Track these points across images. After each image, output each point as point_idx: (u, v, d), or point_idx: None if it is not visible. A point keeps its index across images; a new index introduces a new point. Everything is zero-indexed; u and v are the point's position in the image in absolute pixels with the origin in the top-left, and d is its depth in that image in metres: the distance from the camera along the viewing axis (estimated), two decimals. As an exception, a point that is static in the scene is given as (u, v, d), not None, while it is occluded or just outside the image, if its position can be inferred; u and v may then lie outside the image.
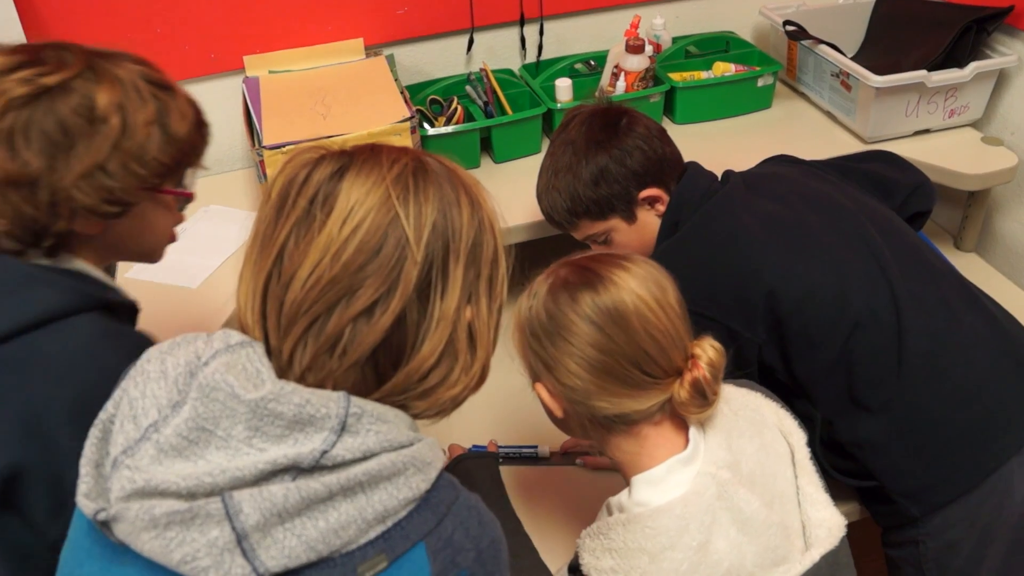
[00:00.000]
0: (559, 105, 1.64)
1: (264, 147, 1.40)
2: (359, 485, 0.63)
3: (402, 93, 1.55)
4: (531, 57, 1.83)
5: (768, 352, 1.14)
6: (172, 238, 0.95)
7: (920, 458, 1.10)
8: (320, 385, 0.66)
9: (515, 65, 1.83)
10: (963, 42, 1.66)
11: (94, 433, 0.66)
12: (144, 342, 0.84)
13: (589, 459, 1.28)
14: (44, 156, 0.79)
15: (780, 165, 1.36)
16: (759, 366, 1.16)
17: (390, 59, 1.68)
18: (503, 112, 1.68)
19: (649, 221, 1.24)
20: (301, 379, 0.66)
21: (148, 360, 0.68)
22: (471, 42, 1.77)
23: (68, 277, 0.84)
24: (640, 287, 0.86)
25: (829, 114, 1.78)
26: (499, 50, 1.81)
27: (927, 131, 1.71)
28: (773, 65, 1.79)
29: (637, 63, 1.66)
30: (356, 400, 0.65)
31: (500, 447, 1.29)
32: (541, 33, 1.81)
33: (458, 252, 0.69)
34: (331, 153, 0.71)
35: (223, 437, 0.62)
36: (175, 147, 0.85)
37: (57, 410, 0.76)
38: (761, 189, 1.22)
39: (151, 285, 1.30)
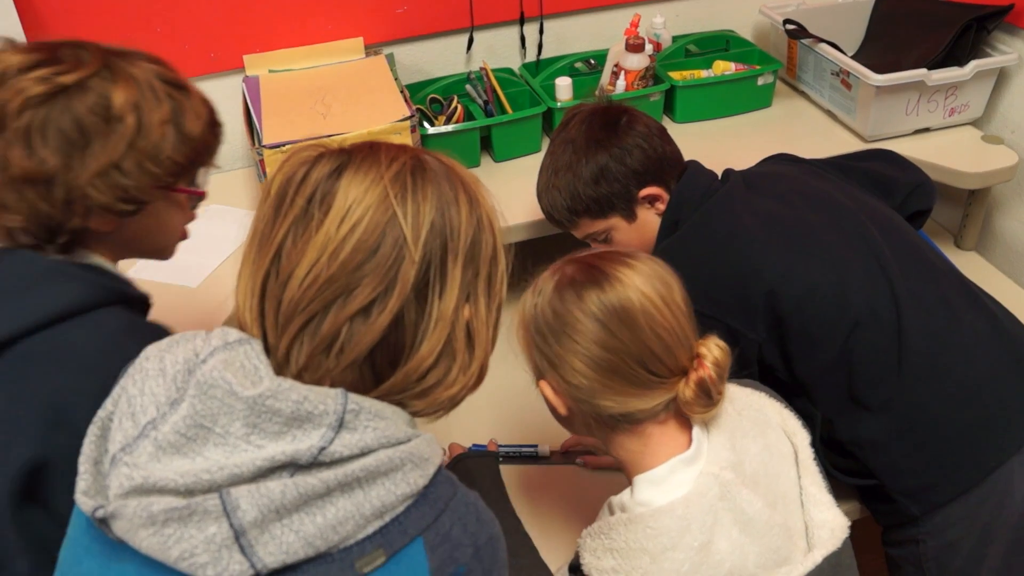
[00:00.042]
0: (559, 104, 1.64)
1: (264, 146, 1.40)
2: (356, 481, 0.63)
3: (402, 92, 1.55)
4: (531, 56, 1.83)
5: (768, 351, 1.14)
6: (184, 235, 0.96)
7: (920, 457, 1.10)
8: (317, 384, 0.66)
9: (515, 64, 1.83)
10: (963, 40, 1.66)
11: (93, 431, 0.66)
12: (164, 335, 0.84)
13: (589, 458, 1.28)
14: (60, 154, 0.79)
15: (780, 164, 1.36)
16: (759, 365, 1.16)
17: (390, 58, 1.68)
18: (503, 111, 1.68)
19: (649, 220, 1.24)
20: (298, 378, 0.66)
21: (147, 358, 0.68)
22: (471, 41, 1.77)
23: (89, 271, 0.85)
24: (646, 285, 0.86)
25: (829, 113, 1.78)
26: (499, 49, 1.81)
27: (927, 130, 1.71)
28: (773, 64, 1.79)
29: (637, 62, 1.66)
30: (354, 397, 0.65)
31: (500, 446, 1.29)
32: (541, 32, 1.81)
33: (456, 251, 0.69)
34: (329, 151, 0.71)
35: (221, 434, 0.62)
36: (189, 146, 0.86)
37: (82, 403, 0.76)
38: (761, 188, 1.22)
39: (151, 284, 1.29)
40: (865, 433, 1.12)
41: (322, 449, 0.62)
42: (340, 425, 0.63)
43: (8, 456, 0.76)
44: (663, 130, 1.27)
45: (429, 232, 0.68)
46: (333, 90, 1.56)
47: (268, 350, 0.68)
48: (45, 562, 0.78)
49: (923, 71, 1.60)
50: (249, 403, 0.62)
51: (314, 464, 0.62)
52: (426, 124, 1.59)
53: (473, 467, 1.14)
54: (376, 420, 0.65)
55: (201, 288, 1.34)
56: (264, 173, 1.40)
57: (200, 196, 0.93)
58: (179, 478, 0.60)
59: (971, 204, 1.72)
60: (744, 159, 1.37)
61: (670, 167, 1.24)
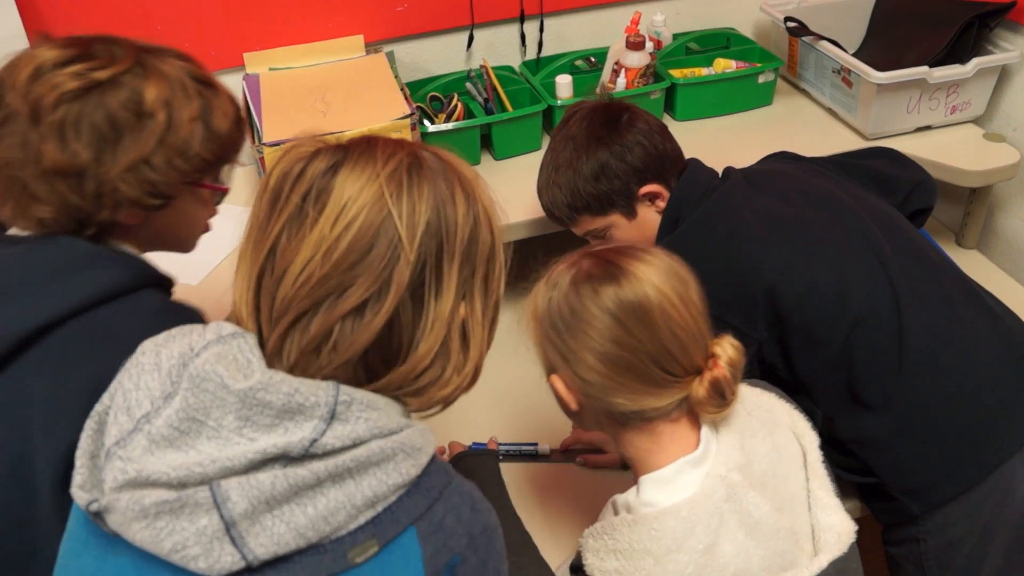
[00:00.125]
0: (559, 102, 1.64)
1: (264, 144, 1.40)
2: (347, 471, 0.63)
3: (402, 90, 1.55)
4: (531, 54, 1.83)
5: (769, 349, 1.14)
6: (206, 229, 0.98)
7: (921, 455, 1.10)
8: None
9: (515, 62, 1.83)
10: (965, 38, 1.66)
11: (90, 425, 0.66)
12: (197, 316, 0.87)
13: (589, 457, 1.28)
14: (92, 148, 0.81)
15: (781, 162, 1.36)
16: (760, 363, 1.15)
17: (390, 56, 1.68)
18: (503, 109, 1.68)
19: (649, 217, 1.24)
20: (290, 373, 0.66)
21: (143, 352, 0.68)
22: (471, 39, 1.77)
23: (125, 255, 0.87)
24: (664, 282, 0.84)
25: (830, 110, 1.77)
26: (499, 47, 1.81)
27: (928, 127, 1.70)
28: (774, 61, 1.79)
29: (638, 60, 1.66)
30: (345, 388, 0.65)
31: (500, 444, 1.29)
32: (541, 30, 1.81)
33: (452, 251, 0.69)
34: (326, 147, 0.70)
35: (214, 427, 0.62)
36: (216, 143, 0.88)
37: None
38: (762, 186, 1.22)
39: (151, 282, 1.31)
40: (866, 432, 1.12)
41: (314, 441, 0.62)
42: (332, 416, 0.63)
43: (52, 439, 0.76)
44: (664, 128, 1.27)
45: (425, 232, 0.67)
46: (333, 88, 1.56)
47: (263, 345, 0.68)
48: None
49: (924, 69, 1.60)
50: (240, 396, 0.62)
51: (306, 456, 0.62)
52: (426, 122, 1.59)
53: (473, 465, 1.14)
54: (368, 411, 0.65)
55: (202, 286, 1.34)
56: (264, 171, 1.40)
57: (224, 192, 0.95)
58: (171, 471, 0.61)
59: (972, 202, 1.71)
60: (745, 157, 1.36)
61: (671, 165, 1.24)
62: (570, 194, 1.23)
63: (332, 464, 0.62)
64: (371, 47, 1.69)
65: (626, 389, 0.85)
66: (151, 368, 0.66)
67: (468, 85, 1.73)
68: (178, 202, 0.89)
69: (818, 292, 1.10)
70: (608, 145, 1.21)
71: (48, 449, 0.76)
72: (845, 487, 1.16)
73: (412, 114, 1.46)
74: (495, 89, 1.70)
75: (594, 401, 0.87)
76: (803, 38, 1.76)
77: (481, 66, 1.73)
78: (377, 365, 0.68)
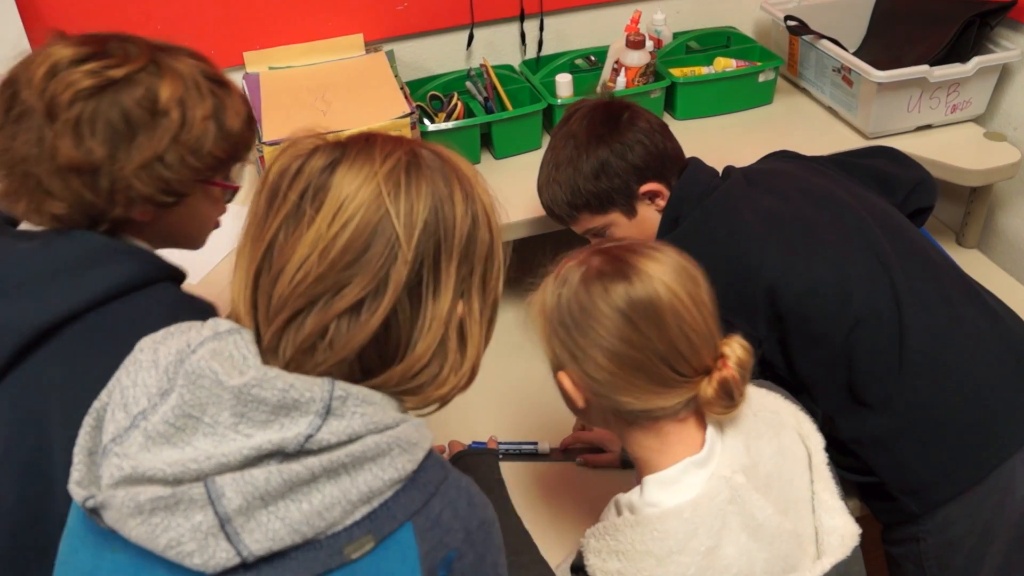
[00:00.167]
0: (559, 101, 1.64)
1: (264, 143, 1.40)
2: (343, 467, 0.63)
3: (402, 89, 1.54)
4: (531, 53, 1.83)
5: (769, 348, 1.14)
6: (216, 226, 0.99)
7: (921, 455, 1.10)
8: None
9: (515, 61, 1.83)
10: (965, 37, 1.65)
11: (88, 421, 0.67)
12: (212, 310, 0.87)
13: (589, 457, 1.28)
14: (107, 145, 0.82)
15: (781, 161, 1.35)
16: (760, 362, 1.15)
17: (390, 55, 1.68)
18: (503, 108, 1.68)
19: (649, 216, 1.24)
20: (286, 370, 0.66)
21: (141, 350, 0.68)
22: (471, 38, 1.77)
23: (140, 250, 0.88)
24: (675, 281, 0.84)
25: (830, 109, 1.77)
26: (499, 46, 1.81)
27: (929, 127, 1.70)
28: (774, 60, 1.78)
29: (638, 59, 1.66)
30: (341, 383, 0.65)
31: (500, 443, 1.29)
32: (541, 29, 1.80)
33: (450, 250, 0.69)
34: (325, 144, 0.70)
35: (210, 424, 0.62)
36: (229, 142, 0.88)
37: None
38: (762, 185, 1.21)
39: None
40: (866, 431, 1.11)
41: (309, 437, 0.62)
42: (328, 412, 0.63)
43: (69, 432, 0.76)
44: (665, 127, 1.27)
45: (422, 231, 0.67)
46: (333, 87, 1.55)
47: (260, 342, 0.68)
48: None
49: (925, 67, 1.59)
50: (235, 392, 0.62)
51: (301, 452, 0.62)
52: (426, 121, 1.59)
53: (473, 464, 1.14)
54: (364, 405, 0.65)
55: (202, 285, 1.34)
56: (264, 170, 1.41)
57: (235, 190, 0.96)
58: (167, 468, 0.61)
59: (973, 201, 1.71)
60: (745, 156, 1.36)
61: (671, 163, 1.24)
62: (570, 192, 1.22)
63: (327, 460, 0.62)
64: (371, 46, 1.69)
65: (634, 388, 0.84)
66: (148, 365, 0.66)
67: (468, 84, 1.72)
68: (190, 199, 0.90)
69: (818, 291, 1.10)
70: (609, 143, 1.21)
71: (65, 441, 0.76)
72: (845, 486, 1.15)
73: (412, 113, 1.46)
74: (495, 88, 1.70)
75: (601, 399, 0.87)
76: (803, 37, 1.76)
77: (481, 65, 1.73)
78: (374, 363, 0.68)
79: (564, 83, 1.67)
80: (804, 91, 1.85)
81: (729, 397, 0.84)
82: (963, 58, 1.64)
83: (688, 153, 1.29)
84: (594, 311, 0.84)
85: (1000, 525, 1.09)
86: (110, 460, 0.63)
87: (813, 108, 1.80)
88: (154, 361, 0.66)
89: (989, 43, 1.69)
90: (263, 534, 0.60)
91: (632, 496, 0.89)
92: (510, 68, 1.78)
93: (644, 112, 1.26)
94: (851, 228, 1.15)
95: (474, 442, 1.28)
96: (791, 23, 1.76)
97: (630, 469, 1.22)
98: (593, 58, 1.82)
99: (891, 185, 1.32)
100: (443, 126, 1.58)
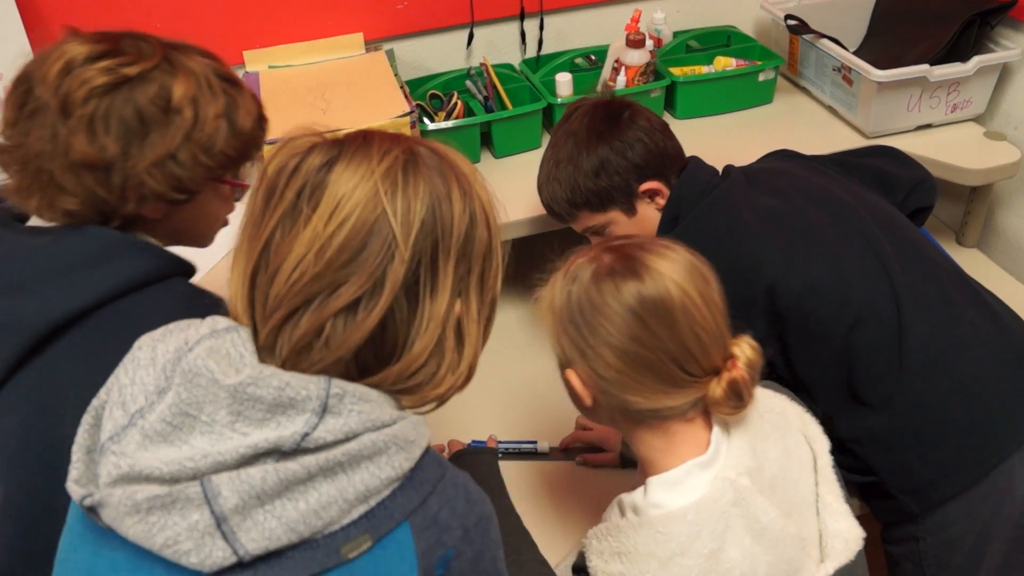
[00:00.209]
0: (559, 100, 1.64)
1: (264, 142, 1.39)
2: (339, 465, 0.62)
3: (402, 88, 1.54)
4: (531, 52, 1.83)
5: (768, 348, 1.13)
6: (224, 224, 0.99)
7: (920, 454, 1.10)
8: None
9: (515, 60, 1.83)
10: (966, 36, 1.65)
11: (87, 419, 0.67)
12: (221, 304, 0.87)
13: (589, 456, 1.28)
14: (120, 142, 0.82)
15: (781, 160, 1.35)
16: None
17: (390, 54, 1.68)
18: (503, 107, 1.68)
19: (649, 215, 1.24)
20: (282, 368, 0.66)
21: (139, 348, 0.68)
22: (471, 37, 1.77)
23: (152, 245, 0.89)
24: (686, 280, 0.83)
25: (831, 109, 1.77)
26: (499, 45, 1.81)
27: (929, 126, 1.70)
28: (774, 59, 1.78)
29: (638, 58, 1.66)
30: (337, 381, 0.65)
31: (499, 442, 1.29)
32: (541, 28, 1.80)
33: (448, 249, 0.69)
34: (322, 142, 0.70)
35: (207, 422, 0.62)
36: (240, 140, 0.89)
37: None
38: (762, 184, 1.21)
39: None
40: (865, 430, 1.11)
41: (305, 435, 0.62)
42: (324, 410, 0.63)
43: None
44: (665, 125, 1.27)
45: (420, 230, 0.67)
46: (333, 86, 1.55)
47: (257, 340, 0.67)
48: None
49: (925, 67, 1.59)
50: (231, 391, 0.62)
51: (298, 450, 0.62)
52: (426, 120, 1.58)
53: (472, 463, 1.14)
54: (361, 403, 0.65)
55: (203, 284, 1.34)
56: (263, 169, 1.41)
57: (245, 188, 0.96)
58: (164, 466, 0.61)
59: (973, 201, 1.71)
60: (745, 155, 1.36)
61: (671, 162, 1.24)
62: (570, 190, 1.22)
63: (323, 458, 0.62)
64: (371, 45, 1.69)
65: (643, 387, 0.84)
66: (147, 363, 0.66)
67: (468, 83, 1.72)
68: (201, 197, 0.90)
69: (818, 290, 1.10)
70: (609, 141, 1.21)
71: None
72: (844, 484, 1.16)
73: (412, 112, 1.46)
74: (495, 87, 1.70)
75: (609, 398, 0.86)
76: (803, 36, 1.75)
77: (481, 64, 1.73)
78: (370, 363, 0.68)
79: (564, 82, 1.67)
80: (804, 90, 1.85)
81: (738, 398, 0.83)
82: (963, 57, 1.63)
83: (688, 152, 1.29)
84: (604, 309, 0.83)
85: (999, 524, 1.09)
86: (108, 458, 0.63)
87: (813, 107, 1.80)
88: (152, 359, 0.66)
89: (989, 42, 1.69)
90: (259, 533, 0.60)
91: (636, 497, 0.88)
92: (510, 67, 1.78)
93: (644, 111, 1.26)
94: (851, 227, 1.15)
95: (473, 441, 1.28)
96: (791, 22, 1.76)
97: (629, 468, 1.22)
98: (593, 57, 1.82)
99: (891, 184, 1.31)
100: (443, 125, 1.58)
